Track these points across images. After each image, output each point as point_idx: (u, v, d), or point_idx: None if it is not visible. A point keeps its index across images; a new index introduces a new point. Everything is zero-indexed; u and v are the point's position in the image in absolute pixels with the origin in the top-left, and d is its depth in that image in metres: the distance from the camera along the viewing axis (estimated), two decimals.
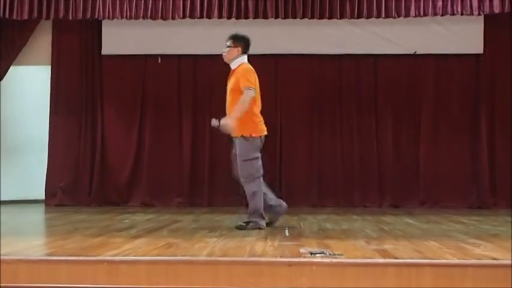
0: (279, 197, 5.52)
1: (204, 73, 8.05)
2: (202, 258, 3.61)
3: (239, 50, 5.22)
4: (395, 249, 3.94)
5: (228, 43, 5.27)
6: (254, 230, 4.98)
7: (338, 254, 3.65)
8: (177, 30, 7.64)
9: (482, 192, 7.72)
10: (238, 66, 5.20)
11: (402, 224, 5.69)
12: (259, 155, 5.12)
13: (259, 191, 5.10)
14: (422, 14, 6.79)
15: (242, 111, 4.99)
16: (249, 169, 5.07)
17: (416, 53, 7.80)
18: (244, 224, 5.12)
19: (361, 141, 7.93)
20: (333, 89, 7.99)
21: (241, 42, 5.24)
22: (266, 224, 5.17)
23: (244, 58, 5.25)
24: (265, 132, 5.21)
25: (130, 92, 8.08)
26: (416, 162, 7.88)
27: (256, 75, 5.15)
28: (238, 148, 5.10)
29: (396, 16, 6.83)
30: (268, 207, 5.23)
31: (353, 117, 7.95)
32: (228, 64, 5.29)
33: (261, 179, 5.14)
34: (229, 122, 4.98)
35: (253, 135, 5.09)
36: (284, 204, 5.34)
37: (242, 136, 5.07)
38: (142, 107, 8.12)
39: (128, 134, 8.07)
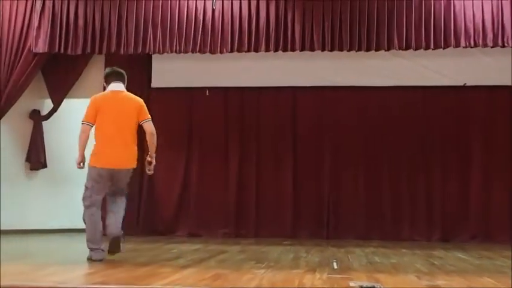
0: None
1: (251, 105, 8.14)
2: None
3: (105, 84, 5.35)
4: (448, 286, 3.84)
5: None
6: (302, 262, 4.93)
7: None
8: (225, 63, 7.77)
9: None
10: None
11: (453, 259, 5.54)
12: (92, 185, 4.99)
13: (86, 219, 4.99)
14: (472, 44, 6.71)
15: (79, 145, 5.11)
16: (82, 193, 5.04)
17: (466, 84, 7.69)
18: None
19: (409, 174, 7.81)
20: (380, 122, 7.92)
21: (104, 78, 5.37)
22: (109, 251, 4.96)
23: (106, 89, 5.29)
24: (104, 166, 5.01)
25: (178, 124, 8.19)
26: (467, 195, 7.69)
27: (99, 104, 5.18)
28: None
29: (445, 47, 6.75)
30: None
31: (401, 149, 7.84)
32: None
33: (92, 209, 4.94)
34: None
35: (89, 164, 5.04)
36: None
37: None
38: (189, 138, 8.23)
39: (175, 165, 8.16)
